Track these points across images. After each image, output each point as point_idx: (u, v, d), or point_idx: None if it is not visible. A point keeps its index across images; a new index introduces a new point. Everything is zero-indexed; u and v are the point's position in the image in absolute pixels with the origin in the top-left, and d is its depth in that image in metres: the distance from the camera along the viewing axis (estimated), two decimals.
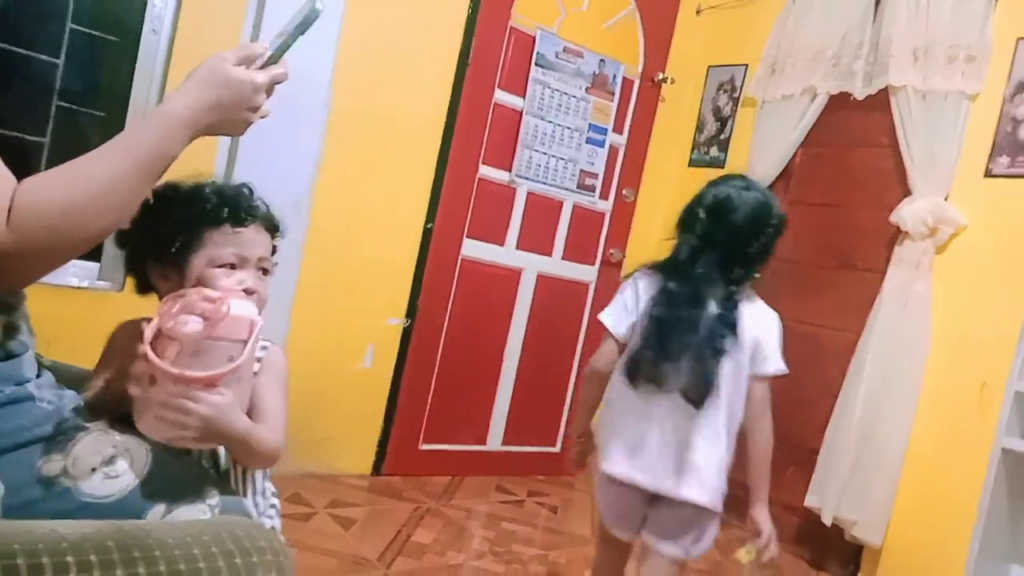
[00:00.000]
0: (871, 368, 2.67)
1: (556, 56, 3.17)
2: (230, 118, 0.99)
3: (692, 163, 3.65)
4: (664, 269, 1.67)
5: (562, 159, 3.27)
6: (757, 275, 1.66)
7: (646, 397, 1.63)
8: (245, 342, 0.99)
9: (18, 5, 2.13)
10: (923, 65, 2.71)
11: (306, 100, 2.54)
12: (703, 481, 1.59)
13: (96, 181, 0.88)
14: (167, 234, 1.13)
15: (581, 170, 3.34)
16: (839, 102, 3.05)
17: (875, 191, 2.93)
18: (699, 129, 3.65)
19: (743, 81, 3.48)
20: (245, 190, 1.21)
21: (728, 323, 1.58)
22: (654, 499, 1.66)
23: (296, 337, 2.59)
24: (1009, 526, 2.41)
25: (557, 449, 3.49)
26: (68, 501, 0.92)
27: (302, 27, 1.02)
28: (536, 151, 3.18)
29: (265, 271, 1.20)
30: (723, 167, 3.46)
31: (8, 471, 0.91)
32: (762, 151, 3.26)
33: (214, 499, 1.01)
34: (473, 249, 3.11)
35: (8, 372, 0.94)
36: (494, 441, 3.31)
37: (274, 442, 1.11)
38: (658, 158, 3.60)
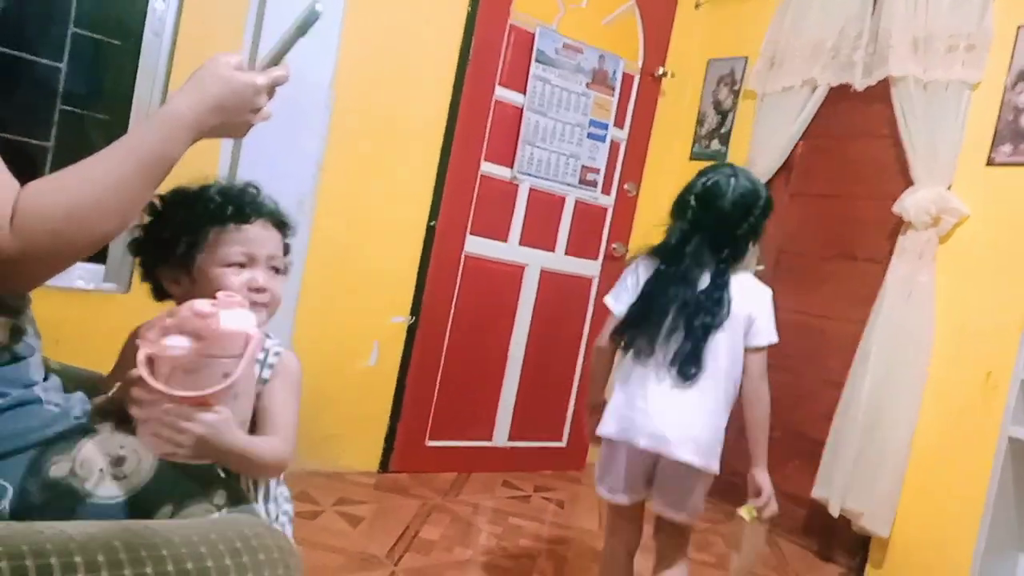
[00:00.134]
0: (876, 359, 2.66)
1: (556, 52, 3.17)
2: (232, 120, 0.99)
3: (693, 156, 3.64)
4: (658, 252, 1.75)
5: (564, 155, 3.27)
6: (746, 253, 1.74)
7: (644, 368, 1.71)
8: (240, 356, 0.96)
9: (20, 9, 2.13)
10: (923, 55, 2.70)
11: (307, 101, 2.55)
12: (699, 444, 1.66)
13: (99, 184, 0.88)
14: (173, 236, 1.13)
15: (583, 165, 3.34)
16: (839, 94, 3.04)
17: (876, 182, 2.92)
18: (700, 122, 3.65)
19: (743, 74, 3.47)
20: (250, 188, 1.21)
21: (716, 299, 1.66)
22: (655, 466, 1.72)
23: (301, 336, 2.60)
24: (1016, 515, 2.40)
25: (563, 444, 3.50)
26: (76, 502, 0.92)
27: (302, 29, 1.02)
28: (538, 147, 3.18)
29: (277, 270, 1.20)
30: (725, 160, 3.45)
31: (16, 473, 0.91)
32: (763, 143, 3.26)
33: (221, 499, 1.02)
34: (476, 246, 3.11)
35: (15, 375, 0.94)
36: (500, 437, 3.32)
37: (278, 454, 1.11)
38: (659, 152, 3.60)
